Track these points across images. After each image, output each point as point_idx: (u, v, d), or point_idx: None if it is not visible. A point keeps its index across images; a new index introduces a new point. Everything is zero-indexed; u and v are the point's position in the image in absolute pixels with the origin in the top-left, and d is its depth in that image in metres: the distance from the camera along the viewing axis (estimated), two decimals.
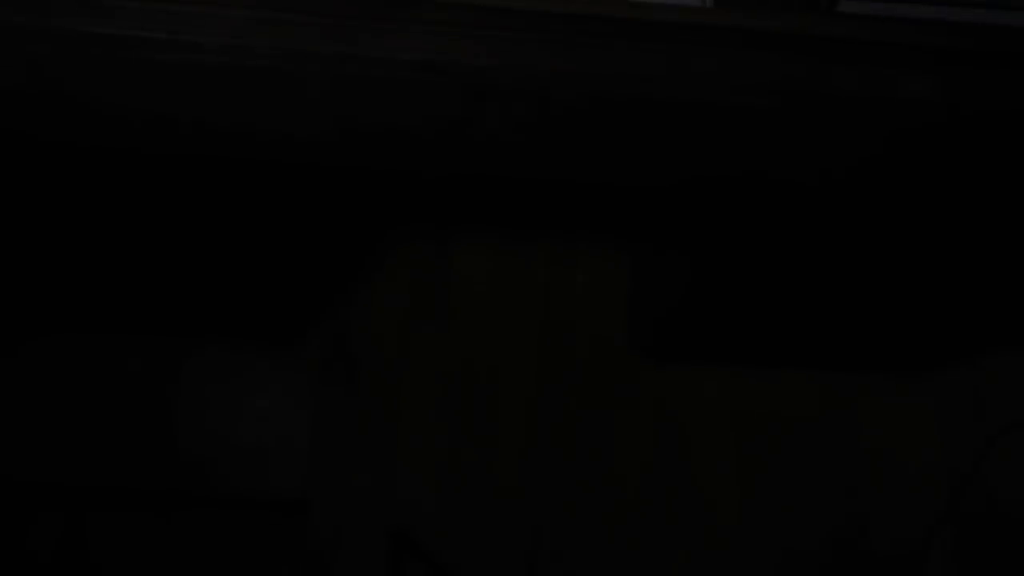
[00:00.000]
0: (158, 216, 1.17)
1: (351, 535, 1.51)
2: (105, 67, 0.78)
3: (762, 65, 0.76)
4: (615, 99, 0.78)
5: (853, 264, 1.18)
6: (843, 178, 0.88)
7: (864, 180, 0.88)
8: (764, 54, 0.77)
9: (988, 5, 0.75)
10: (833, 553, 1.56)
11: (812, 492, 1.56)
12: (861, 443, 1.58)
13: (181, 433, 1.50)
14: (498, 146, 0.85)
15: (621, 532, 1.53)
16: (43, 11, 0.75)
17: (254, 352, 1.54)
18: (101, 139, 0.90)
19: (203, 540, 1.49)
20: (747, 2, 0.78)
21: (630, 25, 0.76)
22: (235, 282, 1.33)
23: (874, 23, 0.77)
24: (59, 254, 1.28)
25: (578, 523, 1.53)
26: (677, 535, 1.54)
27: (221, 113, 0.84)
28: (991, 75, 0.77)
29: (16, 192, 1.14)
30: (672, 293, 1.36)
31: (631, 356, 1.58)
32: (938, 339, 1.47)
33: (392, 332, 1.57)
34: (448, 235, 1.63)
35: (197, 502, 1.49)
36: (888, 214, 1.04)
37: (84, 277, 1.34)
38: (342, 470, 1.50)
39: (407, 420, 1.53)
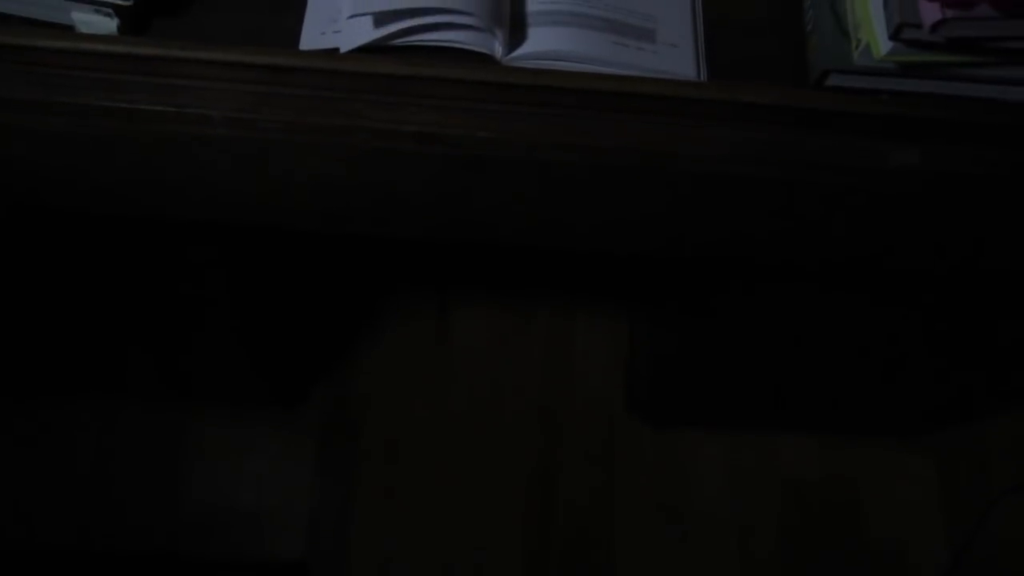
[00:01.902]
0: (162, 282, 1.18)
1: None
2: (114, 139, 0.80)
3: (757, 136, 0.78)
4: (615, 169, 0.79)
5: (851, 329, 1.19)
6: (834, 246, 0.89)
7: (856, 248, 0.89)
8: (759, 126, 0.79)
9: (969, 80, 0.77)
10: None
11: (812, 554, 1.55)
12: (862, 504, 1.58)
13: (181, 496, 1.50)
14: (498, 215, 0.87)
15: None
16: (53, 86, 0.77)
17: (255, 415, 1.55)
18: (108, 207, 0.92)
19: None
20: (741, 77, 0.81)
21: (629, 98, 0.78)
22: (236, 345, 1.34)
23: (860, 96, 0.79)
24: (62, 318, 1.29)
25: None
26: None
27: (226, 182, 0.86)
28: (971, 144, 0.79)
29: (21, 259, 1.16)
30: (671, 356, 1.37)
31: (630, 419, 1.58)
32: (938, 401, 1.47)
33: (393, 396, 1.58)
34: (448, 299, 1.65)
35: (196, 565, 1.49)
36: (883, 281, 1.06)
37: (87, 340, 1.35)
38: (342, 534, 1.50)
39: (407, 484, 1.53)
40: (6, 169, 0.86)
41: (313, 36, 0.80)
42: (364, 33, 0.78)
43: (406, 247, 1.65)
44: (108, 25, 0.78)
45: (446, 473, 1.53)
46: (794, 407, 1.48)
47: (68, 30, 0.79)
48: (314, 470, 1.52)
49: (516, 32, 0.80)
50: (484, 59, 0.79)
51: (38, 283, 1.22)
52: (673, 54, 0.81)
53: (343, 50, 0.78)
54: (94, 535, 1.46)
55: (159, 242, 1.08)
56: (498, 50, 0.78)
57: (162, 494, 1.49)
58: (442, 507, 1.52)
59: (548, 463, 1.55)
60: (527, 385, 1.60)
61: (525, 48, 0.80)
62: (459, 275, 1.68)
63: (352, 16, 0.78)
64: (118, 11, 0.78)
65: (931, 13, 0.68)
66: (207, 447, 1.53)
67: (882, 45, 0.74)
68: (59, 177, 0.87)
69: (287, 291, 1.38)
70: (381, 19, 0.77)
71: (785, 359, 1.29)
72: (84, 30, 0.79)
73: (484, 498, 1.52)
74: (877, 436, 1.60)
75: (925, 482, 1.59)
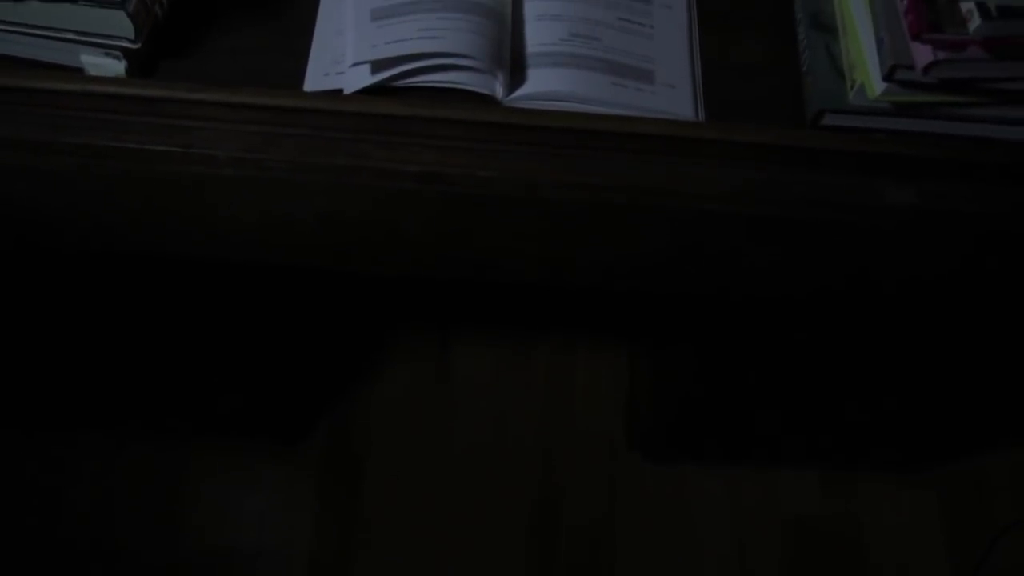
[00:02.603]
0: (165, 318, 1.19)
1: None
2: (121, 178, 0.81)
3: (755, 175, 0.80)
4: (615, 208, 0.81)
5: (850, 365, 1.20)
6: (833, 281, 0.90)
7: (854, 284, 0.90)
8: (756, 165, 0.80)
9: (962, 119, 0.78)
10: None
11: None
12: (864, 539, 1.57)
13: (181, 535, 1.49)
14: (499, 253, 0.88)
15: None
16: (62, 127, 0.79)
17: (256, 451, 1.55)
18: (113, 245, 0.93)
19: None
20: (739, 117, 0.82)
21: (628, 138, 0.79)
22: (237, 381, 1.34)
23: (855, 135, 0.80)
24: (63, 354, 1.30)
25: None
26: None
27: (230, 220, 0.87)
28: (965, 182, 0.80)
29: (23, 294, 1.16)
30: (672, 392, 1.37)
31: (631, 454, 1.58)
32: (940, 436, 1.47)
33: (394, 432, 1.58)
34: (449, 335, 1.66)
35: None
36: (882, 316, 1.07)
37: (89, 376, 1.36)
38: (343, 571, 1.49)
39: (409, 521, 1.52)
40: (14, 208, 0.87)
41: (317, 78, 0.82)
42: (367, 75, 0.80)
43: (407, 283, 1.66)
44: (116, 67, 0.80)
45: (448, 510, 1.53)
46: (795, 443, 1.48)
47: (77, 72, 0.80)
48: (315, 507, 1.52)
49: (516, 73, 0.82)
50: (485, 100, 0.80)
51: (40, 319, 1.22)
52: (671, 94, 0.83)
53: (346, 91, 0.80)
54: (93, 574, 1.46)
55: (161, 278, 1.09)
56: (499, 91, 0.80)
57: (162, 533, 1.49)
58: (445, 544, 1.51)
59: (550, 499, 1.55)
60: (528, 421, 1.60)
61: (525, 89, 0.81)
62: (460, 311, 1.68)
63: (355, 64, 0.79)
64: (126, 54, 0.79)
65: (923, 55, 0.70)
66: (207, 485, 1.53)
67: (876, 86, 0.75)
68: (65, 216, 0.88)
69: (289, 326, 1.39)
70: (384, 63, 0.79)
71: (786, 395, 1.29)
72: (93, 72, 0.80)
73: (486, 535, 1.52)
74: (878, 471, 1.60)
75: (927, 517, 1.58)
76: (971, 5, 0.67)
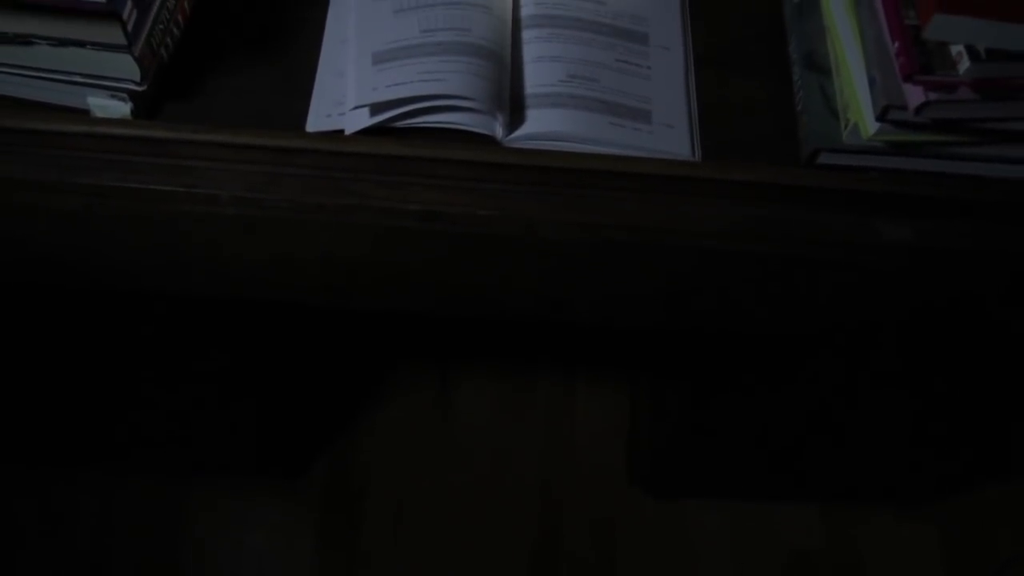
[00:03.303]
0: (166, 356, 1.19)
1: None
2: (126, 218, 0.82)
3: (751, 213, 0.80)
4: (614, 246, 0.81)
5: (850, 400, 1.20)
6: (830, 319, 0.91)
7: (851, 321, 0.91)
8: (753, 203, 0.81)
9: (954, 158, 0.79)
10: None
11: None
12: (865, 574, 1.57)
13: (180, 571, 1.49)
14: (499, 291, 0.89)
15: None
16: (68, 168, 0.80)
17: (256, 487, 1.55)
18: (116, 284, 0.93)
19: None
20: (735, 156, 0.83)
21: (626, 177, 0.80)
22: (237, 418, 1.34)
23: (850, 174, 0.81)
24: (63, 392, 1.30)
25: None
26: None
27: (233, 259, 0.87)
28: (960, 219, 0.81)
29: (25, 332, 1.17)
30: (673, 427, 1.37)
31: (632, 489, 1.58)
32: (941, 469, 1.47)
33: (395, 468, 1.58)
34: (449, 370, 1.66)
35: None
36: (880, 351, 1.07)
37: (89, 414, 1.36)
38: None
39: (410, 557, 1.52)
40: (19, 246, 0.88)
41: (319, 118, 0.83)
42: (367, 117, 0.81)
43: (407, 319, 1.67)
44: (122, 109, 0.81)
45: (449, 545, 1.53)
46: (796, 477, 1.48)
47: (84, 114, 0.81)
48: (315, 544, 1.51)
49: (516, 114, 0.83)
50: (485, 140, 0.81)
51: (41, 355, 1.23)
52: (668, 134, 0.84)
53: (348, 132, 0.81)
54: None
55: (161, 315, 1.10)
56: (499, 131, 0.81)
57: (162, 570, 1.49)
58: None
59: (550, 534, 1.54)
60: (528, 456, 1.60)
61: (525, 129, 0.82)
62: (460, 347, 1.69)
63: (356, 107, 0.80)
64: (132, 96, 0.80)
65: (915, 96, 0.71)
66: (207, 522, 1.52)
67: (870, 125, 0.77)
68: (69, 254, 0.89)
69: (290, 364, 1.40)
70: (384, 105, 0.80)
71: (787, 430, 1.29)
72: (99, 114, 0.81)
73: (487, 570, 1.52)
74: (879, 504, 1.60)
75: (928, 550, 1.58)
76: (961, 47, 0.68)
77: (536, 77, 0.85)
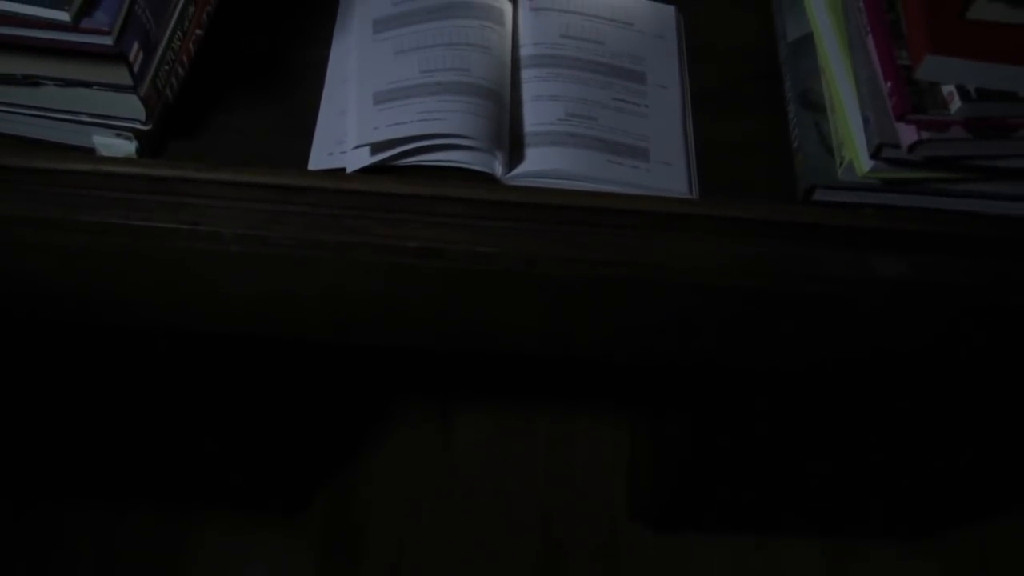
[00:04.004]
0: (168, 391, 1.20)
1: None
2: (130, 254, 0.83)
3: (748, 250, 0.81)
4: (613, 282, 0.82)
5: (850, 434, 1.21)
6: (828, 353, 0.91)
7: (849, 355, 0.92)
8: (750, 239, 0.82)
9: (948, 194, 0.80)
10: None
11: None
12: None
13: None
14: (499, 326, 0.89)
15: None
16: (74, 206, 0.81)
17: (256, 521, 1.54)
18: (119, 320, 0.94)
19: None
20: (732, 193, 0.84)
21: (624, 214, 0.81)
22: (238, 452, 1.35)
23: (845, 210, 0.82)
24: (64, 426, 1.30)
25: None
26: None
27: (235, 295, 0.88)
28: (955, 255, 0.81)
29: (27, 367, 1.18)
30: (673, 461, 1.38)
31: (633, 523, 1.58)
32: (942, 502, 1.47)
33: (395, 502, 1.58)
34: (449, 404, 1.66)
35: None
36: (882, 386, 1.08)
37: (90, 448, 1.36)
38: None
39: None
40: (23, 282, 0.89)
41: (321, 157, 0.84)
42: (367, 155, 0.82)
43: (408, 354, 1.67)
44: (127, 148, 0.82)
45: None
46: (796, 512, 1.48)
47: (89, 153, 0.83)
48: None
49: (515, 152, 0.84)
50: (485, 178, 0.82)
51: (42, 390, 1.23)
52: (666, 171, 0.85)
53: (349, 170, 0.82)
54: None
55: (162, 350, 1.10)
56: (498, 169, 0.82)
57: None
58: None
59: (551, 568, 1.54)
60: (529, 490, 1.59)
61: (524, 167, 0.83)
62: (460, 381, 1.69)
63: (358, 146, 0.82)
64: (137, 135, 0.82)
65: (908, 134, 0.72)
66: (208, 556, 1.52)
67: (864, 163, 0.78)
68: (73, 290, 0.90)
69: (290, 398, 1.40)
70: (385, 144, 0.81)
71: (787, 465, 1.30)
72: (104, 153, 0.83)
73: None
74: (880, 539, 1.59)
75: None
76: (952, 88, 0.69)
77: (535, 116, 0.86)
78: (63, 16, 0.70)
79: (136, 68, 0.77)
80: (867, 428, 1.19)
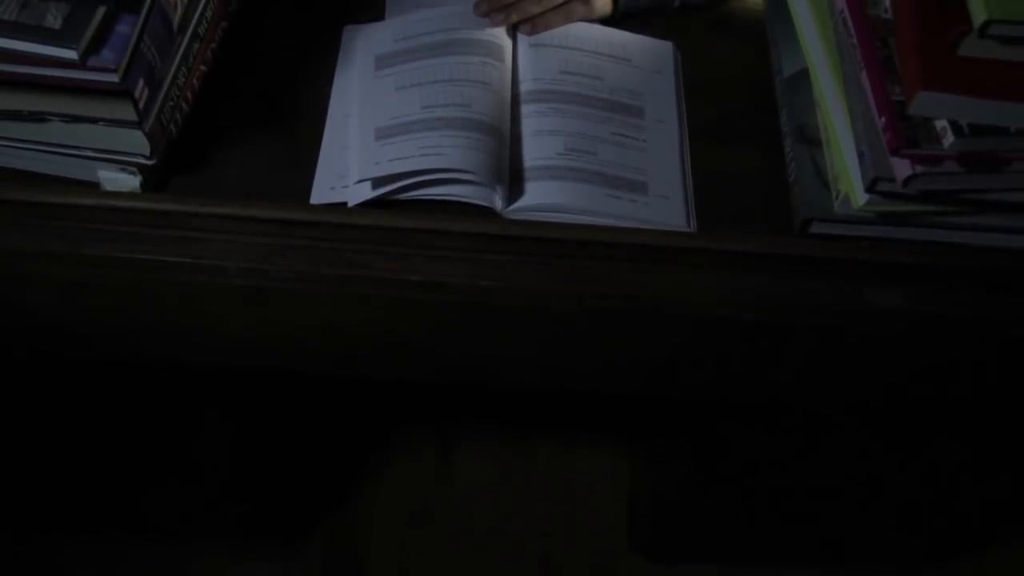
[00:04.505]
0: (168, 423, 1.20)
1: None
2: (134, 287, 0.84)
3: (745, 282, 0.82)
4: (612, 315, 0.83)
5: (849, 465, 1.21)
6: (826, 385, 0.92)
7: (847, 387, 0.92)
8: (747, 272, 0.83)
9: (943, 227, 0.81)
10: None
11: None
12: None
13: None
14: (499, 359, 0.90)
15: None
16: (79, 239, 0.82)
17: (256, 553, 1.54)
18: (122, 353, 0.95)
19: None
20: (729, 226, 0.85)
21: (623, 248, 0.82)
22: (239, 483, 1.35)
23: (842, 243, 0.83)
24: (65, 459, 1.31)
25: None
26: None
27: (238, 328, 0.89)
28: (949, 286, 0.82)
29: (30, 401, 1.18)
30: (673, 493, 1.38)
31: (633, 554, 1.58)
32: (945, 532, 1.47)
33: (395, 534, 1.57)
34: (449, 437, 1.66)
35: None
36: (881, 418, 1.08)
37: (90, 480, 1.36)
38: None
39: None
40: (27, 316, 0.90)
41: (323, 191, 0.85)
42: (369, 190, 0.83)
43: (408, 386, 1.68)
44: (132, 182, 0.83)
45: None
46: (796, 543, 1.48)
47: (94, 187, 0.83)
48: None
49: (515, 186, 0.85)
50: (485, 212, 0.83)
51: (41, 423, 1.23)
52: (664, 205, 0.86)
53: (351, 204, 0.83)
54: None
55: (164, 384, 1.11)
56: (498, 203, 0.83)
57: None
58: None
59: None
60: (529, 521, 1.59)
61: (524, 201, 0.84)
62: (460, 413, 1.69)
63: (360, 181, 0.83)
64: (142, 169, 0.83)
65: (902, 169, 0.73)
66: None
67: (860, 196, 0.78)
68: (77, 324, 0.90)
69: (291, 430, 1.40)
70: (388, 178, 0.82)
71: (787, 495, 1.30)
72: (109, 187, 0.83)
73: None
74: (881, 569, 1.59)
75: None
76: (945, 123, 0.70)
77: (535, 150, 0.87)
78: (71, 54, 0.71)
79: (141, 104, 0.78)
80: (867, 459, 1.19)
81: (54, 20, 0.72)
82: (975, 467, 1.22)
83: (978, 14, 0.64)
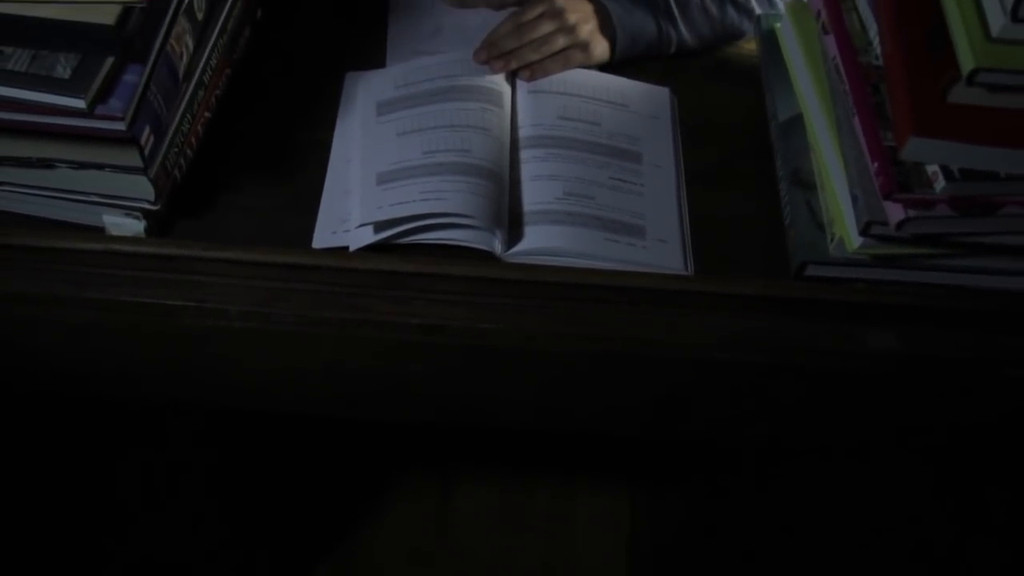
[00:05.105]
0: (165, 464, 1.20)
1: None
2: (137, 330, 0.85)
3: (743, 324, 0.83)
4: (611, 357, 0.84)
5: (849, 506, 1.21)
6: (823, 426, 0.92)
7: (843, 427, 0.93)
8: (744, 314, 0.83)
9: (937, 269, 0.82)
10: None
11: None
12: None
13: None
14: (499, 401, 0.90)
15: None
16: (84, 283, 0.83)
17: None
18: (123, 394, 0.95)
19: None
20: (726, 269, 0.86)
21: (621, 291, 0.83)
22: (237, 527, 1.34)
23: (837, 285, 0.84)
24: (61, 504, 1.30)
25: None
26: None
27: (240, 370, 0.90)
28: (943, 328, 0.83)
29: (34, 446, 1.18)
30: (672, 533, 1.37)
31: None
32: (947, 568, 1.46)
33: (396, 572, 1.57)
34: (450, 478, 1.66)
35: None
36: (881, 457, 1.08)
37: (83, 526, 1.36)
38: None
39: None
40: (30, 357, 0.90)
41: (325, 235, 0.86)
42: (370, 234, 0.84)
43: (408, 428, 1.68)
44: (136, 227, 0.84)
45: None
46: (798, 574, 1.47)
47: (99, 232, 0.85)
48: None
49: (515, 230, 0.86)
50: (485, 256, 0.84)
51: (39, 466, 1.23)
52: (662, 249, 0.87)
53: (352, 248, 0.84)
54: None
55: (162, 425, 1.11)
56: (498, 247, 0.84)
57: None
58: None
59: None
60: (530, 563, 1.59)
61: (523, 245, 0.85)
62: (461, 454, 1.69)
63: (361, 225, 0.84)
64: (146, 214, 0.84)
65: (895, 212, 0.74)
66: None
67: (854, 239, 0.79)
68: (80, 366, 0.91)
69: (291, 472, 1.40)
70: (388, 223, 0.84)
71: (787, 536, 1.29)
72: (114, 231, 0.84)
73: None
74: None
75: None
76: (936, 167, 0.72)
77: (534, 195, 0.88)
78: (79, 103, 0.73)
79: (147, 151, 0.79)
80: (866, 499, 1.19)
81: (63, 71, 0.73)
82: (974, 509, 1.22)
83: (966, 62, 0.66)
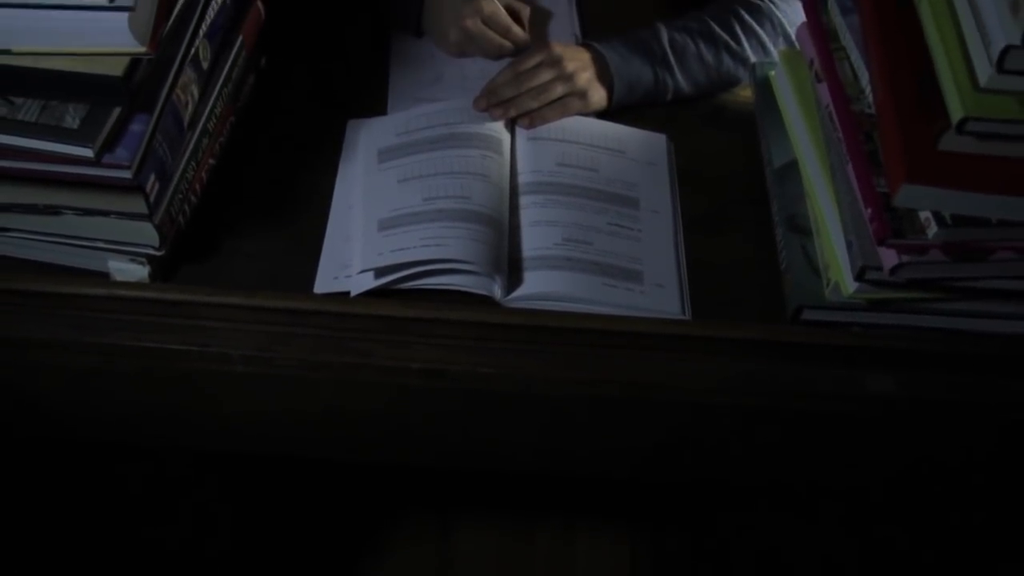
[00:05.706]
0: (166, 509, 1.20)
1: None
2: (140, 375, 0.85)
3: (740, 369, 0.83)
4: (609, 401, 0.84)
5: (848, 549, 1.21)
6: (821, 469, 0.93)
7: (841, 471, 0.93)
8: (741, 359, 0.84)
9: (932, 313, 0.83)
10: None
11: None
12: None
13: None
14: (499, 444, 0.91)
15: None
16: (88, 328, 0.83)
17: None
18: (125, 438, 0.96)
19: None
20: (723, 313, 0.87)
21: (619, 336, 0.83)
22: (239, 563, 1.34)
23: (833, 329, 0.84)
24: (61, 546, 1.30)
25: None
26: None
27: (241, 414, 0.90)
28: (939, 371, 0.84)
29: (38, 489, 1.18)
30: (673, 573, 1.37)
31: None
32: None
33: None
34: (449, 521, 1.66)
35: None
36: (877, 499, 1.08)
37: (84, 567, 1.36)
38: None
39: None
40: (32, 400, 0.91)
41: (326, 280, 0.87)
42: (371, 279, 0.85)
43: (408, 471, 1.67)
44: (140, 272, 0.85)
45: None
46: None
47: (103, 277, 0.86)
48: None
49: (514, 275, 0.87)
50: (485, 300, 0.85)
51: (38, 507, 1.23)
52: (659, 293, 0.88)
53: (353, 294, 0.85)
54: None
55: (162, 468, 1.11)
56: (497, 292, 0.85)
57: None
58: None
59: None
60: None
61: (523, 290, 0.86)
62: (460, 498, 1.69)
63: (362, 271, 0.85)
64: (151, 260, 0.85)
65: (889, 258, 0.75)
66: None
67: (849, 284, 0.80)
68: (82, 409, 0.91)
69: (291, 515, 1.40)
70: (388, 268, 0.85)
71: (791, 561, 1.29)
72: (118, 277, 0.85)
73: None
74: None
75: None
76: (928, 214, 0.73)
77: (533, 240, 0.89)
78: (87, 152, 0.74)
79: (152, 198, 0.80)
80: (865, 541, 1.19)
81: (72, 120, 0.75)
82: (973, 551, 1.21)
83: (955, 111, 0.67)
